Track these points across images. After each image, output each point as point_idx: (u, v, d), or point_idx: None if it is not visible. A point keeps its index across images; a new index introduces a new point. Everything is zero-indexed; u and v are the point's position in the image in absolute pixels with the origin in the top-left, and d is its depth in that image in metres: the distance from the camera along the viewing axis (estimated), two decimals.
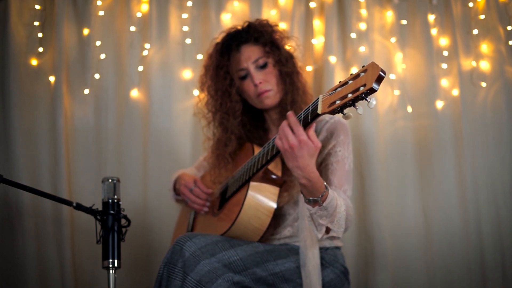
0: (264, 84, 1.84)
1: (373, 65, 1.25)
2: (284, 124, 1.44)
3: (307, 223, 1.61)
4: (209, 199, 1.92)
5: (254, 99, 1.87)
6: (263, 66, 1.85)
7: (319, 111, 1.38)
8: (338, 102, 1.31)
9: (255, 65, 1.85)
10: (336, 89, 1.35)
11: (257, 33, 1.87)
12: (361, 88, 1.25)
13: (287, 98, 1.84)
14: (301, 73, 1.92)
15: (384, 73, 1.23)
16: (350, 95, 1.28)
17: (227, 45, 1.90)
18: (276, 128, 1.91)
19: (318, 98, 1.41)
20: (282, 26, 2.49)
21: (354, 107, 1.29)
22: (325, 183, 1.50)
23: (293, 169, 1.44)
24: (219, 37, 1.95)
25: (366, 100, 1.25)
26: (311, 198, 1.49)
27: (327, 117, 1.82)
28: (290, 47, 1.92)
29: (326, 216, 1.53)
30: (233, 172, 1.89)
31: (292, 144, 1.40)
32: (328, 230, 1.59)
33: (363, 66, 1.29)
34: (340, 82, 1.36)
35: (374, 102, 1.24)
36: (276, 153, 1.55)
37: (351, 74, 1.33)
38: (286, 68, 1.85)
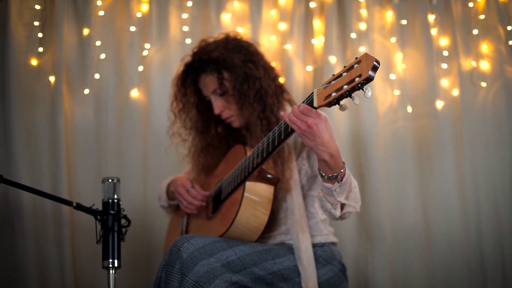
0: (225, 112, 1.92)
1: (367, 55, 1.27)
2: (295, 110, 1.45)
3: (325, 205, 1.62)
4: (205, 200, 1.92)
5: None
6: (222, 94, 1.90)
7: (315, 104, 1.41)
8: (334, 94, 1.34)
9: (214, 95, 1.91)
10: (330, 82, 1.37)
11: (206, 63, 1.89)
12: (357, 79, 1.27)
13: (254, 115, 1.84)
14: (269, 73, 1.92)
15: (379, 63, 1.24)
16: (345, 86, 1.30)
17: (188, 75, 1.95)
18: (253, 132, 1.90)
19: (312, 92, 1.43)
20: (282, 26, 2.49)
21: (351, 97, 1.31)
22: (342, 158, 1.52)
23: (317, 147, 1.46)
24: (181, 64, 1.99)
25: (363, 90, 1.27)
26: (331, 175, 1.50)
27: None
28: (251, 47, 1.93)
29: (343, 192, 1.55)
30: (223, 176, 1.90)
31: (311, 123, 1.42)
32: (341, 207, 1.62)
33: (356, 58, 1.30)
34: (333, 75, 1.37)
35: (370, 92, 1.26)
36: (284, 139, 1.54)
37: (344, 66, 1.34)
38: (248, 86, 1.85)
